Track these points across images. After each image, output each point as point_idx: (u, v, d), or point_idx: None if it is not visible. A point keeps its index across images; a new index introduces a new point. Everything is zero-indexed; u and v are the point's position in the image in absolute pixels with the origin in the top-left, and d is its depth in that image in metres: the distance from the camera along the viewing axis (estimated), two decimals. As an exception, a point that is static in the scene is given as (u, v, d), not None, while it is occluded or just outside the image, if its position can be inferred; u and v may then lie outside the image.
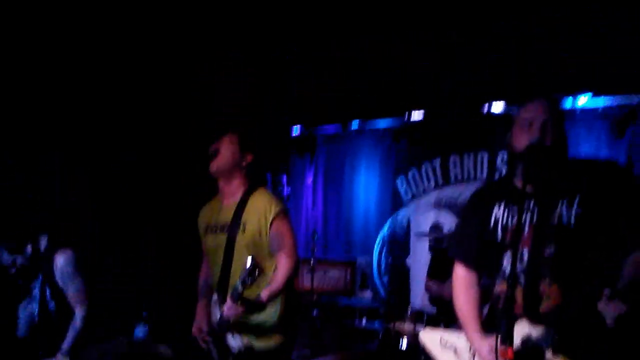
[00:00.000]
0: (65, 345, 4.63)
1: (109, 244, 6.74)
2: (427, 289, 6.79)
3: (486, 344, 3.17)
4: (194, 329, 4.52)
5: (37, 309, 4.69)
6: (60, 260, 4.76)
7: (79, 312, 4.73)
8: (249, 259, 3.93)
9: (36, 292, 4.73)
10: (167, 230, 6.94)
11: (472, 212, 3.52)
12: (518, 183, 3.22)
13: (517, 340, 2.98)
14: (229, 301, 4.06)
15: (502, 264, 3.26)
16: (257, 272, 3.91)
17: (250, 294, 4.08)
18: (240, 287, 3.95)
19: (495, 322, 3.28)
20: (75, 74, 6.41)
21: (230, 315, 4.08)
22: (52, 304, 4.73)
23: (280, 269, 4.20)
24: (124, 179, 7.00)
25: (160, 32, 6.39)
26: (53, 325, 4.72)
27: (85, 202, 6.73)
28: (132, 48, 6.50)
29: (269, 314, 4.24)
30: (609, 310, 2.86)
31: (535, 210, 3.15)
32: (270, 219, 4.24)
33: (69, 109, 6.47)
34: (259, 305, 4.10)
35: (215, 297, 4.38)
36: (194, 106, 7.28)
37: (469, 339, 3.38)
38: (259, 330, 4.22)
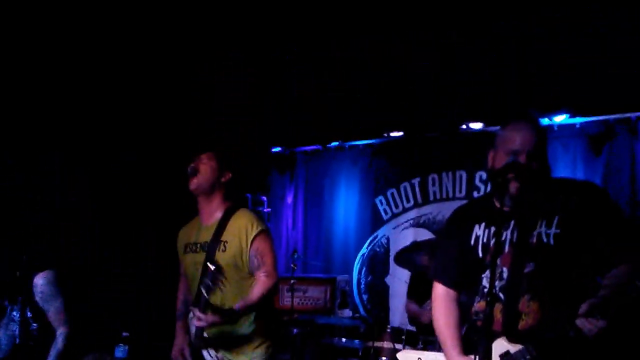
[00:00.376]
0: None
1: (91, 262, 6.70)
2: (407, 310, 6.77)
3: None
4: (174, 351, 4.45)
5: (18, 330, 4.57)
6: (40, 281, 4.64)
7: (60, 333, 4.62)
8: (211, 265, 3.88)
9: (15, 313, 4.63)
10: (154, 246, 6.91)
11: (452, 232, 3.49)
12: (498, 203, 3.20)
13: (496, 357, 2.97)
14: (197, 311, 3.96)
15: (481, 283, 3.23)
16: (219, 276, 3.85)
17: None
18: (205, 293, 3.87)
19: (472, 341, 3.26)
20: (74, 74, 6.37)
21: (202, 325, 3.98)
22: (34, 325, 4.63)
23: (258, 284, 4.11)
24: (123, 179, 6.98)
25: (159, 37, 6.36)
26: (35, 347, 4.63)
27: (85, 204, 6.71)
28: (131, 50, 6.46)
29: (245, 329, 4.17)
30: (587, 326, 2.85)
31: (515, 230, 3.13)
32: (252, 238, 4.18)
33: (68, 108, 6.43)
34: (231, 316, 4.00)
35: (191, 314, 4.31)
36: (193, 106, 7.25)
37: (447, 357, 3.31)
38: (235, 346, 4.15)
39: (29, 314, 4.60)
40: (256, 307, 4.12)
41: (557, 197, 3.12)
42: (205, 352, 4.11)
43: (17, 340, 4.59)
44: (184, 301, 4.58)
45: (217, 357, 4.09)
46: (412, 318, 6.58)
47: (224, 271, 3.94)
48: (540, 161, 3.08)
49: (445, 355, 3.33)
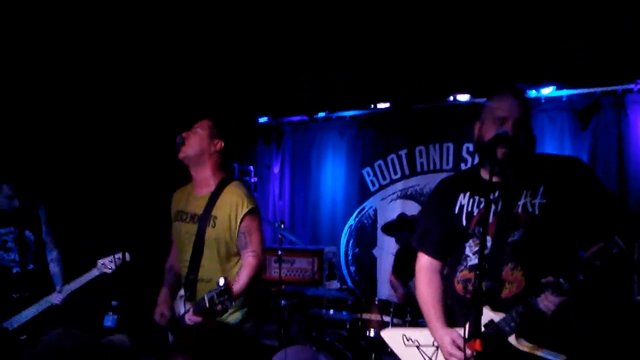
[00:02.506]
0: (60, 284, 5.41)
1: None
2: (392, 286, 6.79)
3: (448, 336, 3.15)
4: (155, 315, 4.42)
5: (16, 256, 5.37)
6: (43, 213, 5.54)
7: (57, 254, 5.58)
8: (222, 279, 3.77)
9: (11, 239, 5.39)
10: (140, 218, 6.87)
11: (436, 203, 3.47)
12: (484, 174, 3.20)
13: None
14: (191, 312, 3.96)
15: (464, 251, 3.24)
16: (227, 296, 3.76)
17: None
18: (207, 304, 3.79)
19: (453, 310, 3.31)
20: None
21: (191, 324, 3.96)
22: (33, 248, 5.45)
23: (245, 268, 4.09)
24: (115, 149, 6.95)
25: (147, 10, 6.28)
26: (35, 270, 5.45)
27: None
28: (110, 35, 6.40)
29: (233, 319, 4.15)
30: (545, 302, 2.88)
31: (500, 200, 3.12)
32: (241, 216, 4.14)
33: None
34: (220, 312, 3.94)
35: (182, 292, 4.29)
36: (182, 77, 7.20)
37: (431, 329, 3.32)
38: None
39: (32, 238, 5.44)
40: (246, 292, 4.09)
41: (542, 169, 3.14)
42: None
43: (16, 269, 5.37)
44: (171, 269, 4.55)
45: None
46: (397, 296, 6.61)
47: (232, 291, 3.83)
48: (525, 130, 3.09)
49: (429, 327, 3.35)
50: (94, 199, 6.90)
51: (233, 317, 4.16)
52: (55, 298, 5.22)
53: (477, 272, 2.84)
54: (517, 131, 3.04)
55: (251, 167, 9.16)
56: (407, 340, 3.47)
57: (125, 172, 6.97)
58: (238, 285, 4.01)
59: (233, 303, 3.93)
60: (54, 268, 5.57)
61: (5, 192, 5.39)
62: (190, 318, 3.94)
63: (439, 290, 3.40)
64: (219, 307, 3.84)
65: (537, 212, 3.05)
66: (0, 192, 5.38)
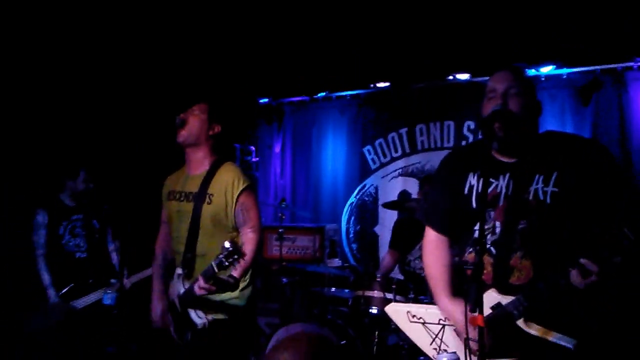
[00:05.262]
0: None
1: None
2: (382, 261, 6.77)
3: (459, 308, 3.02)
4: (154, 315, 4.33)
5: (84, 242, 5.77)
6: (107, 206, 5.98)
7: (117, 245, 6.00)
8: (227, 242, 3.66)
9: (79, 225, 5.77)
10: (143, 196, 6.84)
11: (445, 178, 3.32)
12: (495, 154, 3.06)
13: (487, 309, 2.85)
14: (201, 280, 3.80)
15: (474, 234, 3.10)
16: (236, 256, 3.66)
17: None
18: (215, 268, 3.69)
19: (463, 290, 3.15)
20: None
21: (202, 293, 3.85)
22: (97, 236, 5.83)
23: (247, 244, 4.01)
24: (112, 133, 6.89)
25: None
26: (101, 257, 5.85)
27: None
28: (106, 19, 6.30)
29: (237, 293, 4.10)
30: (578, 279, 2.67)
31: (511, 183, 2.98)
32: (237, 193, 4.09)
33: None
34: (232, 285, 3.89)
35: (179, 270, 4.19)
36: (182, 58, 7.08)
37: (438, 302, 3.24)
38: (223, 307, 4.08)
39: (97, 226, 5.85)
40: (251, 266, 4.06)
41: (556, 151, 2.96)
42: (193, 312, 4.03)
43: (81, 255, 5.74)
44: (164, 256, 4.47)
45: (205, 317, 4.02)
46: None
47: (241, 250, 3.72)
48: (519, 100, 2.95)
49: (435, 299, 3.27)
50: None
51: (245, 292, 4.16)
52: (125, 284, 5.58)
53: (477, 248, 2.72)
54: (506, 101, 2.93)
55: (253, 147, 9.07)
56: (412, 317, 3.38)
57: (123, 154, 6.94)
58: (244, 263, 3.90)
59: (242, 262, 3.80)
60: (114, 257, 5.97)
61: (82, 177, 5.76)
62: (202, 286, 3.80)
63: (445, 264, 3.30)
64: (230, 270, 3.79)
65: (548, 200, 2.88)
66: (78, 177, 5.75)
